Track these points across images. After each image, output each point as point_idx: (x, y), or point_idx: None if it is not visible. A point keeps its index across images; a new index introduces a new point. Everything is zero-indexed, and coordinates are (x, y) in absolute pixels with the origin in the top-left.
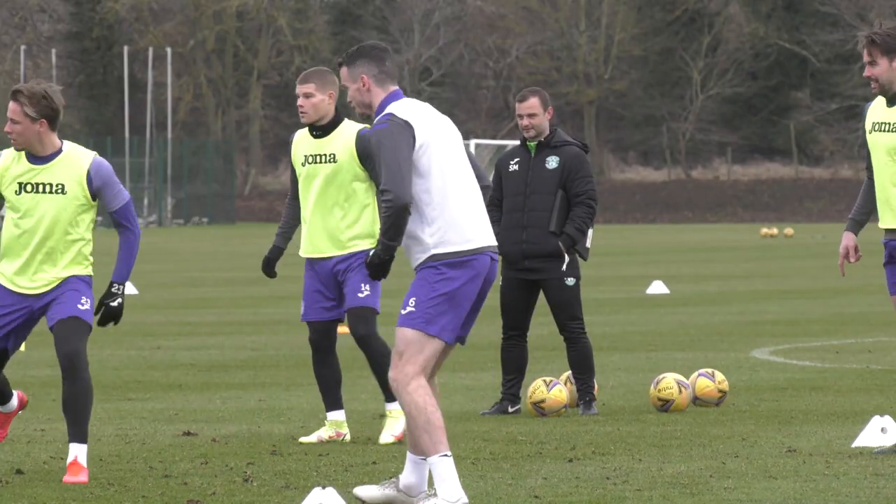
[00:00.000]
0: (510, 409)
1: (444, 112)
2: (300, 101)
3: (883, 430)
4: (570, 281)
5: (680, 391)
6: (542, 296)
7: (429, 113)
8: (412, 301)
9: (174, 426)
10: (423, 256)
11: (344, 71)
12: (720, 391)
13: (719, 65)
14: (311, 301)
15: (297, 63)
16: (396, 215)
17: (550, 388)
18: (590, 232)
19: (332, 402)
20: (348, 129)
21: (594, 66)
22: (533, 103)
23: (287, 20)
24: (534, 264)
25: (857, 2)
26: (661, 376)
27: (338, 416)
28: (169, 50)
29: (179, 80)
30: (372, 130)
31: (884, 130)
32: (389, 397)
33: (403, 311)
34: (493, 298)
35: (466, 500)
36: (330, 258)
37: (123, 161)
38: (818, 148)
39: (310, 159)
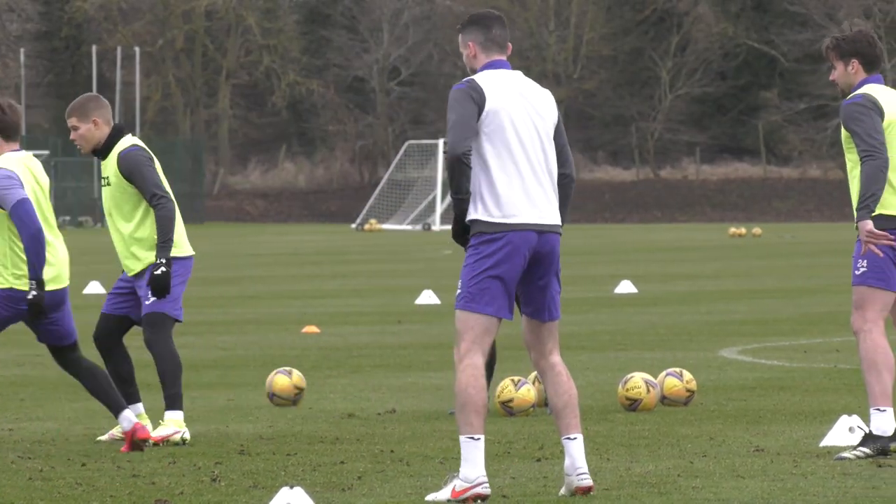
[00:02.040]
0: None
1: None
2: (72, 136)
3: (851, 429)
4: None
5: (648, 391)
6: None
7: (513, 84)
8: (459, 283)
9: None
10: (470, 217)
11: (460, 37)
12: (688, 391)
13: (688, 64)
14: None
15: (266, 63)
16: (451, 166)
17: (518, 387)
18: None
19: (125, 396)
20: (116, 152)
21: (563, 65)
22: None
23: (256, 19)
24: None
25: (826, 1)
26: (629, 376)
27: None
28: (137, 49)
29: (148, 79)
30: (453, 89)
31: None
32: (169, 406)
33: (456, 294)
34: None
35: (485, 480)
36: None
37: (91, 161)
38: (787, 148)
39: (102, 181)
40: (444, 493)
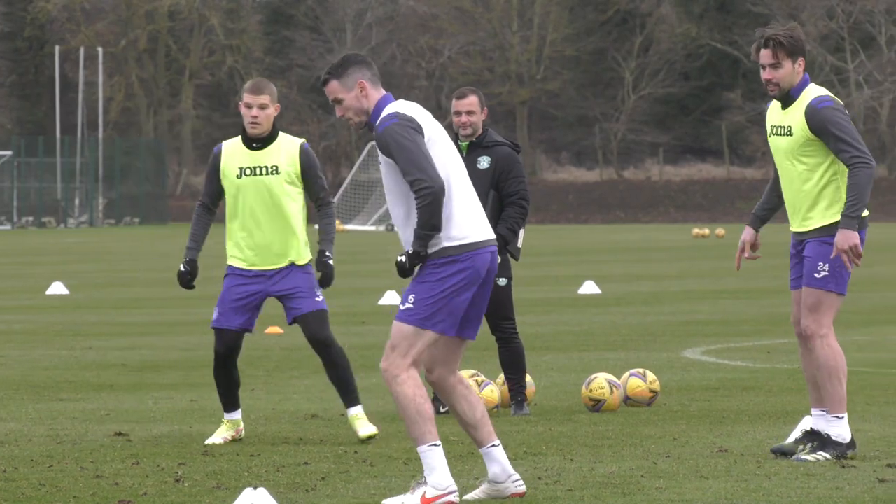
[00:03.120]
0: (442, 409)
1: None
2: (255, 112)
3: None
4: (503, 281)
5: (611, 391)
6: None
7: (425, 112)
8: (411, 298)
9: (106, 426)
10: (433, 249)
11: (334, 84)
12: (652, 391)
13: (651, 65)
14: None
15: (229, 63)
16: (436, 201)
17: (482, 388)
18: (521, 232)
19: (233, 402)
20: (288, 142)
21: (526, 66)
22: (472, 101)
23: (219, 20)
24: None
25: (789, 2)
26: (592, 376)
27: (236, 415)
28: (101, 49)
29: (111, 79)
30: (382, 128)
31: (781, 134)
32: (353, 403)
33: (402, 307)
34: None
35: (455, 488)
36: (267, 270)
37: (55, 161)
38: (750, 148)
39: (247, 171)
40: (414, 499)
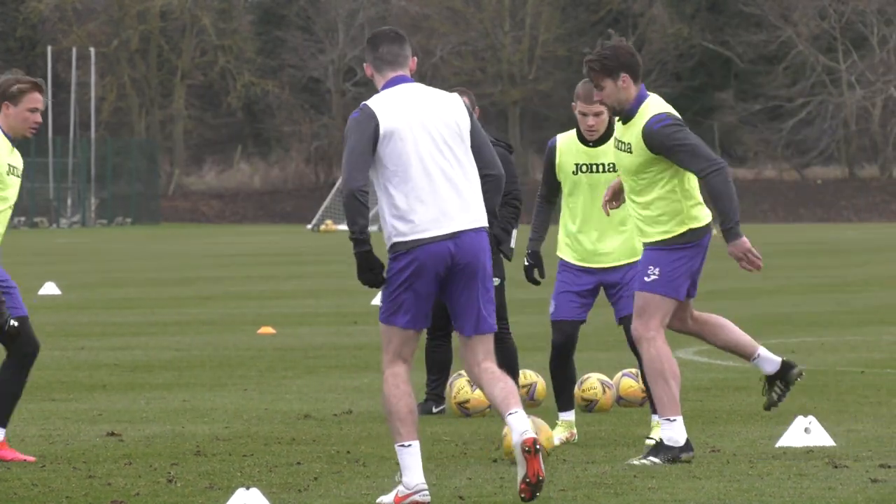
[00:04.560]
0: (434, 410)
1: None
2: (591, 121)
3: (806, 430)
4: (496, 281)
5: (604, 391)
6: None
7: (408, 100)
8: (380, 296)
9: (98, 427)
10: (388, 244)
11: None
12: (644, 391)
13: (643, 66)
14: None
15: (221, 63)
16: (349, 202)
17: (475, 388)
18: (514, 232)
19: (567, 401)
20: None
21: (518, 66)
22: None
23: (211, 20)
24: None
25: (781, 2)
26: (585, 376)
27: (570, 416)
28: (93, 50)
29: (103, 79)
30: (349, 118)
31: (622, 150)
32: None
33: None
34: None
35: (424, 487)
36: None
37: (47, 161)
38: (742, 148)
39: (583, 168)
40: (390, 498)
